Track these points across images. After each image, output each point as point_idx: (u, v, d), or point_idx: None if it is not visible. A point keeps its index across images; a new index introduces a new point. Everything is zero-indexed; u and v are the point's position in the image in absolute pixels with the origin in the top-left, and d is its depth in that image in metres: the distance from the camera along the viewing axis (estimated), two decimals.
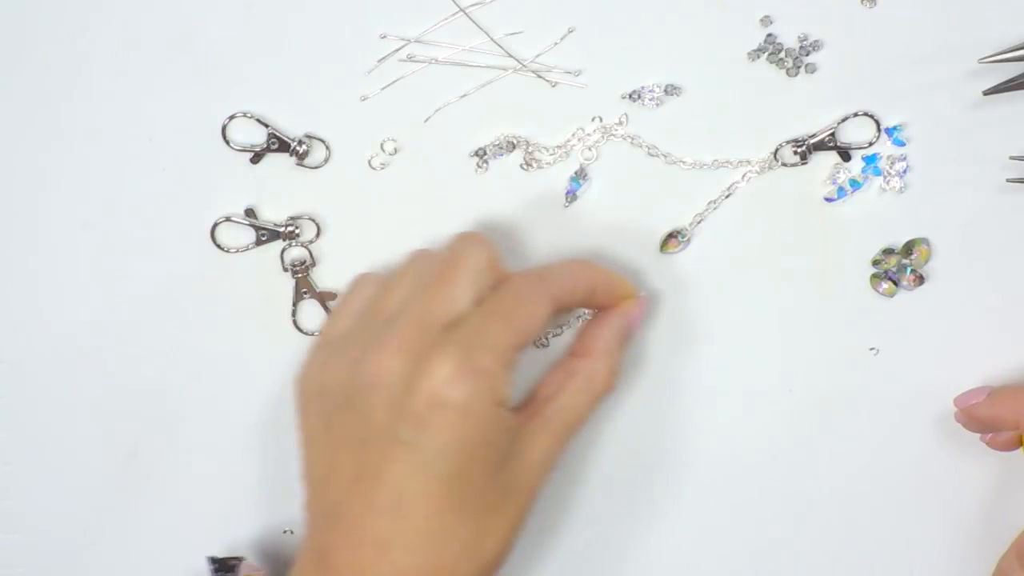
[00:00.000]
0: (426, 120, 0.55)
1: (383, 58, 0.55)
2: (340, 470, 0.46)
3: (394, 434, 0.45)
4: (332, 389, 0.48)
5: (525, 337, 0.48)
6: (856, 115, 0.55)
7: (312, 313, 0.56)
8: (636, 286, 0.54)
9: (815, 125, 0.55)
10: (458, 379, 0.45)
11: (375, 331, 0.48)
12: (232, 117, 0.55)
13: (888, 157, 0.55)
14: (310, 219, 0.55)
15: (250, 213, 0.55)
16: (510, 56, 0.55)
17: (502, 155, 0.55)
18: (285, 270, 0.55)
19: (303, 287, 0.55)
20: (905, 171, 0.55)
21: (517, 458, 0.48)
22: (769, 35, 0.55)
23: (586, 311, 0.55)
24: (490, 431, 0.46)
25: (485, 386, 0.46)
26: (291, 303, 0.55)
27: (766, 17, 0.55)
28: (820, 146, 0.55)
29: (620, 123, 0.55)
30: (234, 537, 0.56)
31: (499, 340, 0.47)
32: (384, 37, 0.55)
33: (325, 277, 0.56)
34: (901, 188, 0.55)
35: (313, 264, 0.55)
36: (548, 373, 0.51)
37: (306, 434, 0.49)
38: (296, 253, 0.55)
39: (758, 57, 0.55)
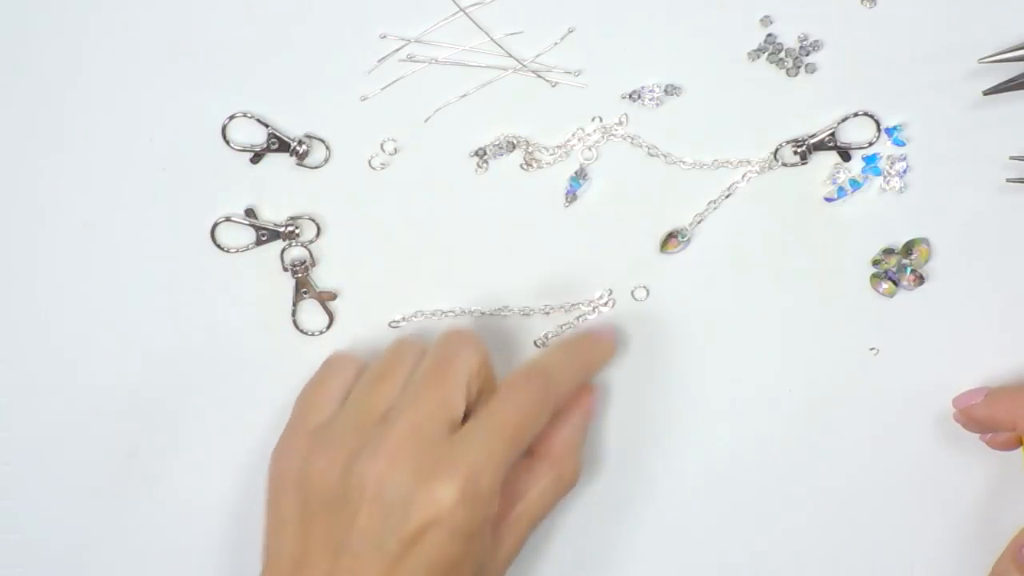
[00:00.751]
0: (426, 120, 0.55)
1: (383, 58, 0.55)
2: (310, 569, 0.46)
3: (379, 544, 0.44)
4: (316, 484, 0.46)
5: (524, 448, 0.48)
6: (856, 115, 0.55)
7: (312, 313, 0.56)
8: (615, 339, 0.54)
9: (815, 125, 0.55)
10: (461, 504, 0.44)
11: (369, 432, 0.47)
12: (232, 117, 0.55)
13: (888, 157, 0.55)
14: (310, 219, 0.55)
15: (250, 213, 0.55)
16: (510, 56, 0.55)
17: (502, 155, 0.55)
18: (285, 270, 0.55)
19: (303, 287, 0.55)
20: (905, 171, 0.55)
21: (488, 562, 0.48)
22: (769, 35, 0.55)
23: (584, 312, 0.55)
24: (479, 550, 0.46)
25: (485, 511, 0.46)
26: (291, 303, 0.55)
27: (766, 17, 0.55)
28: (820, 146, 0.55)
29: (620, 123, 0.55)
30: (234, 537, 0.56)
31: (502, 458, 0.46)
32: (384, 37, 0.55)
33: (325, 277, 0.56)
34: (901, 188, 0.55)
35: (313, 264, 0.55)
36: (513, 471, 0.49)
37: (277, 521, 0.48)
38: (296, 253, 0.55)
39: (758, 57, 0.55)
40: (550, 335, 0.56)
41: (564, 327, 0.56)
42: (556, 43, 0.55)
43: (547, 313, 0.56)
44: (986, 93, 0.54)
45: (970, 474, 0.57)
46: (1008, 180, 0.55)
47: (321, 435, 0.48)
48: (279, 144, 0.54)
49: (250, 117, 0.55)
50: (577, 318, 0.56)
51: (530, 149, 0.55)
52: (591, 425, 0.54)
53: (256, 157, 0.55)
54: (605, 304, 0.56)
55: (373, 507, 0.45)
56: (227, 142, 0.55)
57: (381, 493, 0.45)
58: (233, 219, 0.55)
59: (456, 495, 0.44)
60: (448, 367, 0.48)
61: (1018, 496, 0.57)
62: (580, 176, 0.55)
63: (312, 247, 0.55)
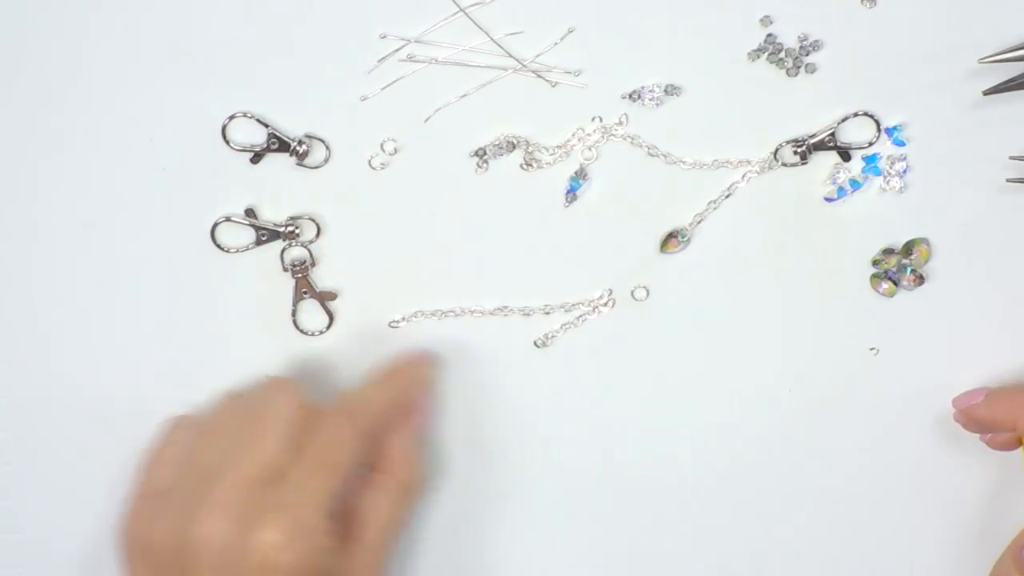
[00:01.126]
0: (426, 120, 0.55)
1: (383, 58, 0.55)
2: None
3: None
4: (158, 548, 0.48)
5: (344, 479, 0.49)
6: (856, 115, 0.55)
7: (312, 313, 0.56)
8: (431, 361, 0.55)
9: (815, 125, 0.55)
10: (287, 544, 0.46)
11: (196, 489, 0.48)
12: (232, 117, 0.55)
13: (888, 157, 0.55)
14: (310, 219, 0.55)
15: (250, 213, 0.55)
16: (510, 56, 0.55)
17: (502, 155, 0.55)
18: (285, 270, 0.55)
19: (303, 287, 0.55)
20: (905, 171, 0.55)
21: None
22: (769, 35, 0.55)
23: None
24: None
25: (313, 545, 0.47)
26: (291, 303, 0.55)
27: (766, 17, 0.55)
28: (820, 146, 0.55)
29: (620, 123, 0.55)
30: None
31: (321, 493, 0.48)
32: (384, 37, 0.55)
33: (325, 277, 0.56)
34: (901, 188, 0.55)
35: (313, 264, 0.55)
36: (359, 494, 0.51)
37: None
38: (296, 253, 0.55)
39: (758, 57, 0.55)
40: (550, 335, 0.56)
41: (564, 327, 0.56)
42: (556, 43, 0.55)
43: (547, 313, 0.56)
44: (986, 93, 0.54)
45: (970, 474, 0.57)
46: (1008, 180, 0.55)
47: (161, 500, 0.50)
48: (279, 144, 0.55)
49: (250, 117, 0.55)
50: (577, 318, 0.56)
51: (530, 149, 0.55)
52: (428, 432, 0.55)
53: (256, 157, 0.55)
54: (605, 304, 0.56)
55: (211, 564, 0.46)
56: (227, 142, 0.55)
57: (214, 549, 0.46)
58: (233, 219, 0.55)
59: (282, 537, 0.46)
60: (261, 417, 0.49)
61: (1018, 496, 0.57)
62: (580, 176, 0.55)
63: (312, 247, 0.55)
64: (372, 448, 0.51)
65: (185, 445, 0.51)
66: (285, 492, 0.47)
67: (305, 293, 0.55)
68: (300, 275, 0.55)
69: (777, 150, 0.55)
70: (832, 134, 0.55)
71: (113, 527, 0.51)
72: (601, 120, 0.55)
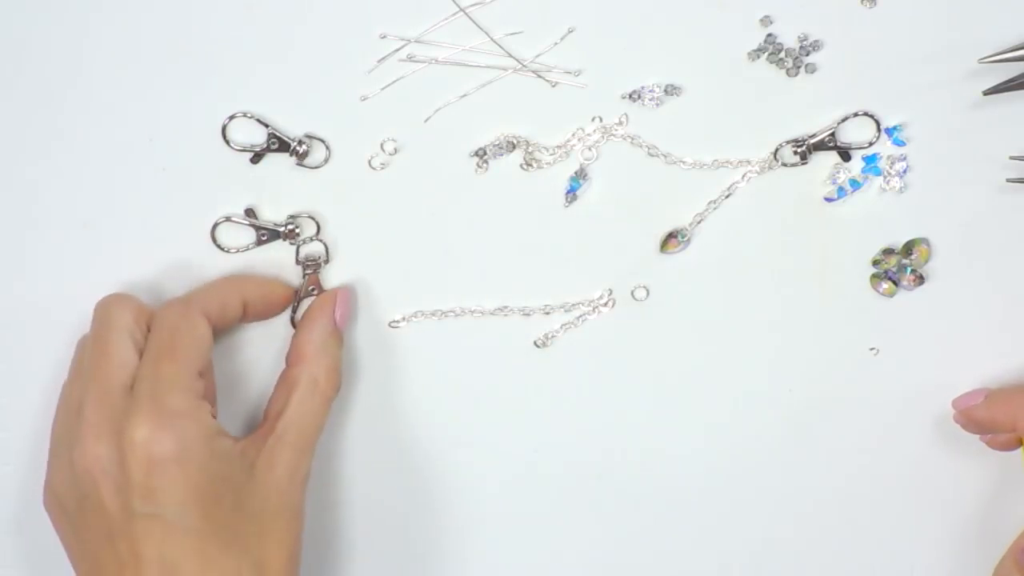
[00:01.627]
0: (426, 120, 0.55)
1: (383, 58, 0.55)
2: (104, 568, 0.47)
3: (132, 513, 0.46)
4: (63, 495, 0.49)
5: (198, 360, 0.49)
6: (856, 115, 0.55)
7: None
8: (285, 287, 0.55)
9: (815, 125, 0.55)
10: (158, 433, 0.46)
11: (73, 427, 0.48)
12: (232, 117, 0.55)
13: (888, 157, 0.55)
14: (310, 217, 0.55)
15: (250, 213, 0.55)
16: (510, 56, 0.55)
17: (502, 155, 0.55)
18: (298, 263, 0.55)
19: (311, 283, 0.55)
20: (905, 171, 0.55)
21: (261, 480, 0.49)
22: (769, 35, 0.55)
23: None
24: (217, 466, 0.48)
25: (188, 424, 0.47)
26: (295, 298, 0.55)
27: (766, 17, 0.55)
28: (820, 146, 0.55)
29: (620, 123, 0.55)
30: None
31: (176, 377, 0.48)
32: (384, 37, 0.55)
33: (325, 277, 0.56)
34: (901, 188, 0.55)
35: (327, 260, 0.55)
36: (273, 388, 0.52)
37: (65, 546, 0.50)
38: (312, 248, 0.55)
39: (758, 57, 0.55)
40: (550, 335, 0.56)
41: (564, 327, 0.56)
42: (556, 43, 0.55)
43: (547, 313, 0.56)
44: (986, 93, 0.54)
45: (970, 474, 0.57)
46: (1008, 180, 0.55)
47: (53, 450, 0.51)
48: (279, 144, 0.54)
49: (250, 117, 0.55)
50: (577, 318, 0.56)
51: (530, 149, 0.55)
52: (344, 328, 0.54)
53: (256, 157, 0.55)
54: (605, 304, 0.56)
55: (103, 487, 0.47)
56: (227, 142, 0.55)
57: (103, 471, 0.47)
58: (233, 219, 0.55)
59: (148, 429, 0.46)
60: (102, 332, 0.50)
61: (1019, 496, 0.56)
62: (580, 176, 0.55)
63: (312, 246, 0.55)
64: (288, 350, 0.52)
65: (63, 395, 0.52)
66: (139, 389, 0.47)
67: (313, 290, 0.55)
68: (312, 271, 0.55)
69: (777, 150, 0.55)
70: (832, 134, 0.55)
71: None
72: (601, 120, 0.55)
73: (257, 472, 0.49)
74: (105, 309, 0.51)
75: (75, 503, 0.48)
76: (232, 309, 0.53)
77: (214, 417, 0.49)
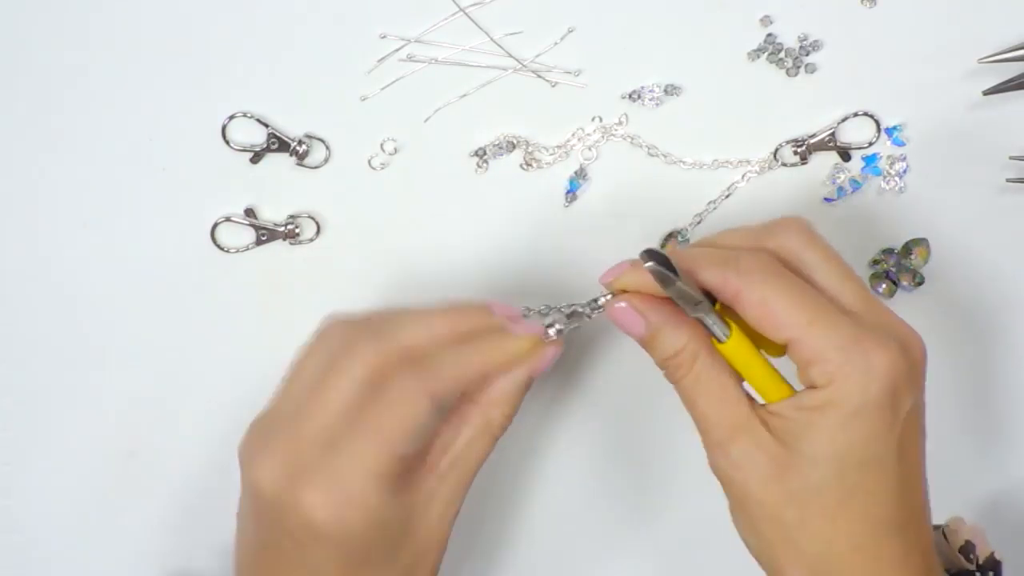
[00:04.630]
0: (426, 120, 0.55)
1: (383, 58, 0.55)
2: (259, 568, 0.48)
3: (279, 545, 0.46)
4: (242, 473, 0.48)
5: (402, 443, 0.46)
6: (856, 115, 0.55)
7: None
8: (545, 333, 0.49)
9: (815, 125, 0.55)
10: (330, 510, 0.45)
11: (270, 427, 0.47)
12: (232, 117, 0.55)
13: (888, 157, 0.55)
14: (310, 217, 0.55)
15: (250, 213, 0.55)
16: (510, 56, 0.55)
17: (502, 155, 0.55)
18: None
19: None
20: (905, 171, 0.55)
21: (416, 520, 0.48)
22: (769, 35, 0.55)
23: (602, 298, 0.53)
24: (376, 535, 0.46)
25: (358, 509, 0.46)
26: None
27: (766, 17, 0.55)
28: (820, 146, 0.55)
29: (620, 123, 0.55)
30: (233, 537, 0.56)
31: (374, 460, 0.46)
32: (384, 37, 0.55)
33: (325, 277, 0.56)
34: (901, 188, 0.55)
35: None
36: (444, 421, 0.48)
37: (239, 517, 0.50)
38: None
39: (758, 57, 0.55)
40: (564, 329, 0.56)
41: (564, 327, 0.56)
42: (556, 43, 0.55)
43: (547, 313, 0.56)
44: (986, 93, 0.54)
45: (969, 474, 0.57)
46: (1008, 180, 0.55)
47: (258, 425, 0.49)
48: (279, 144, 0.55)
49: (250, 117, 0.55)
50: (589, 315, 0.56)
51: (530, 149, 0.55)
52: (533, 382, 0.50)
53: (256, 157, 0.55)
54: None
55: (262, 509, 0.47)
56: (227, 142, 0.55)
57: (265, 496, 0.46)
58: (233, 219, 0.55)
59: (326, 502, 0.45)
60: (335, 369, 0.47)
61: (1014, 491, 0.57)
62: (580, 176, 0.55)
63: (312, 247, 0.55)
64: (447, 405, 0.48)
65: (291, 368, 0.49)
66: (337, 456, 0.46)
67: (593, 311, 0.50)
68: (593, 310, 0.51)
69: (777, 150, 0.55)
70: (832, 134, 0.55)
71: None
72: (601, 120, 0.55)
73: (414, 512, 0.48)
74: (352, 342, 0.47)
75: (245, 488, 0.48)
76: (469, 386, 0.49)
77: (396, 493, 0.47)
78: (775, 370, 0.47)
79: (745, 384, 0.47)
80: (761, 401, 0.46)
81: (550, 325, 0.49)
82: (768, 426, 0.46)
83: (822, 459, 0.45)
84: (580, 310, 0.50)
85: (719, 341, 0.47)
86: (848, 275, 0.47)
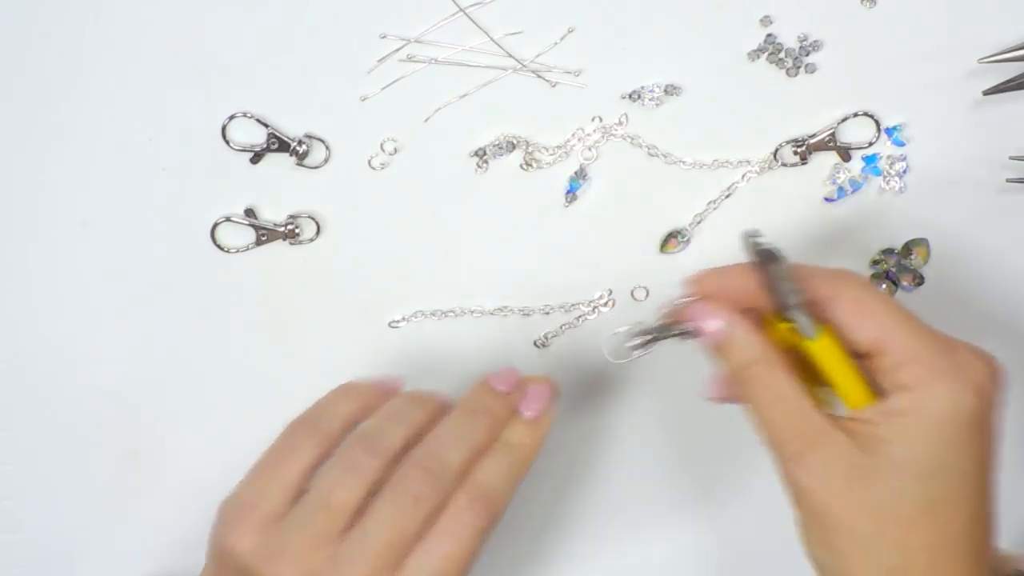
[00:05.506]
0: (426, 120, 0.55)
1: (383, 58, 0.55)
2: None
3: None
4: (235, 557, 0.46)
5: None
6: (856, 115, 0.55)
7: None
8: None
9: (815, 125, 0.55)
10: None
11: (326, 549, 0.45)
12: (232, 117, 0.55)
13: (888, 157, 0.55)
14: (309, 217, 0.55)
15: (250, 213, 0.55)
16: (510, 56, 0.55)
17: (502, 155, 0.55)
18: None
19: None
20: (905, 171, 0.55)
21: None
22: (769, 35, 0.55)
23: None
24: None
25: None
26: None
27: (766, 17, 0.55)
28: (820, 146, 0.55)
29: (620, 123, 0.55)
30: None
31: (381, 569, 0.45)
32: (384, 37, 0.55)
33: (325, 277, 0.56)
34: (901, 188, 0.55)
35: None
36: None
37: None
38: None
39: (758, 57, 0.55)
40: (550, 335, 0.56)
41: (564, 327, 0.56)
42: (556, 43, 0.55)
43: (547, 313, 0.56)
44: (986, 93, 0.54)
45: None
46: (1008, 180, 0.55)
47: (275, 534, 0.46)
48: (279, 144, 0.55)
49: (250, 117, 0.55)
50: (577, 318, 0.56)
51: (530, 149, 0.55)
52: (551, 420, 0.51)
53: (256, 157, 0.55)
54: (605, 304, 0.56)
55: None
56: (227, 142, 0.55)
57: None
58: (233, 219, 0.55)
59: None
60: (350, 478, 0.46)
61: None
62: (580, 176, 0.55)
63: (312, 247, 0.55)
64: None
65: (311, 466, 0.47)
66: (351, 558, 0.44)
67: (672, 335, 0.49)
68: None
69: (777, 150, 0.55)
70: (832, 134, 0.55)
71: (210, 526, 0.48)
72: (601, 120, 0.55)
73: None
74: (419, 494, 0.46)
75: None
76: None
77: None
78: (862, 374, 0.46)
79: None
80: (841, 412, 0.45)
81: (639, 340, 0.48)
82: (849, 433, 0.45)
83: (907, 465, 0.44)
84: (663, 327, 0.48)
85: (809, 338, 0.45)
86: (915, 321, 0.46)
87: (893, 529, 0.44)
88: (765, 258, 0.46)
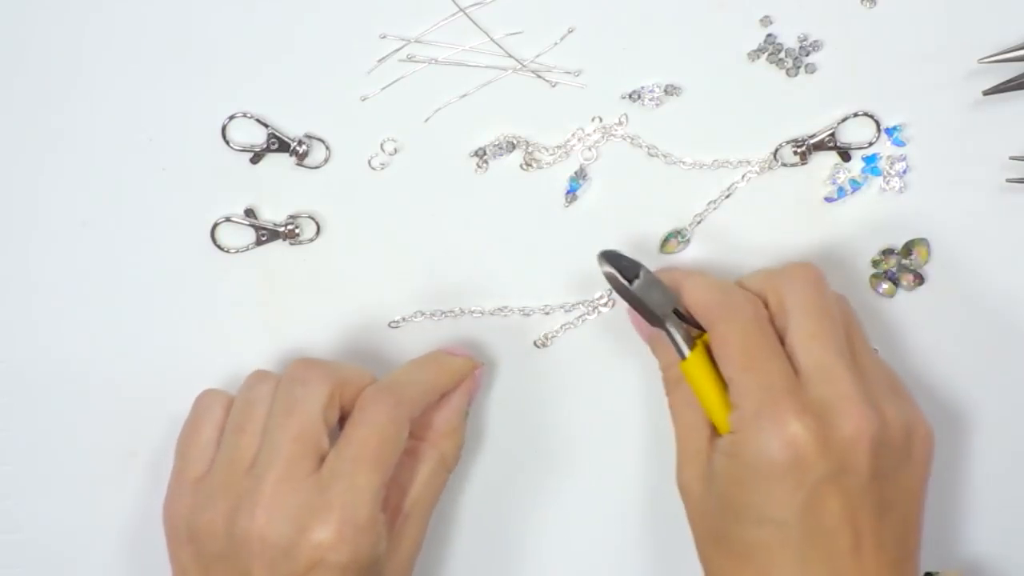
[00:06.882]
0: (426, 120, 0.55)
1: (383, 58, 0.55)
2: None
3: None
4: (205, 539, 0.48)
5: (392, 467, 0.48)
6: (856, 115, 0.55)
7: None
8: (476, 357, 0.54)
9: (815, 125, 0.55)
10: (340, 542, 0.46)
11: (239, 482, 0.48)
12: (232, 117, 0.55)
13: (888, 157, 0.55)
14: (309, 217, 0.55)
15: (250, 213, 0.55)
16: (510, 56, 0.55)
17: (502, 155, 0.55)
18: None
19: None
20: (905, 171, 0.55)
21: (390, 561, 0.49)
22: (769, 35, 0.55)
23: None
24: (370, 573, 0.48)
25: (367, 540, 0.47)
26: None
27: (766, 17, 0.55)
28: (820, 146, 0.55)
29: (620, 123, 0.55)
30: None
31: (372, 488, 0.47)
32: (384, 37, 0.55)
33: (325, 277, 0.56)
34: (901, 188, 0.55)
35: None
36: (398, 464, 0.50)
37: (180, 571, 0.50)
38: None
39: (758, 57, 0.55)
40: (550, 335, 0.56)
41: (564, 327, 0.56)
42: (556, 43, 0.55)
43: (547, 313, 0.56)
44: (986, 93, 0.54)
45: (968, 474, 0.56)
46: (1008, 180, 0.55)
47: (202, 488, 0.49)
48: (279, 144, 0.55)
49: (250, 117, 0.55)
50: (577, 318, 0.56)
51: (530, 149, 0.55)
52: (472, 404, 0.54)
53: (256, 157, 0.55)
54: (605, 304, 0.56)
55: (262, 560, 0.46)
56: (227, 142, 0.55)
57: (265, 547, 0.46)
58: (233, 219, 0.55)
59: (334, 535, 0.46)
60: (297, 405, 0.48)
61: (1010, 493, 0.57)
62: (580, 176, 0.55)
63: (312, 247, 0.55)
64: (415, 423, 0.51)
65: (221, 425, 0.51)
66: (336, 489, 0.47)
67: None
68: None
69: (777, 150, 0.55)
70: (832, 134, 0.55)
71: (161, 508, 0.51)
72: (601, 120, 0.55)
73: (388, 554, 0.49)
74: (301, 380, 0.49)
75: (216, 550, 0.48)
76: (429, 404, 0.52)
77: (383, 525, 0.48)
78: (724, 400, 0.48)
79: None
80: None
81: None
82: (709, 461, 0.48)
83: (725, 507, 0.47)
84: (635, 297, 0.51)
85: (681, 357, 0.49)
86: (818, 337, 0.47)
87: (727, 566, 0.48)
88: (612, 283, 0.50)
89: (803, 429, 0.45)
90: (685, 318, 0.50)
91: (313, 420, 0.48)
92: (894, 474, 0.47)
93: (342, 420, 0.50)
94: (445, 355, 0.53)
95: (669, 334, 0.49)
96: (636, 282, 0.49)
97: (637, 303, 0.49)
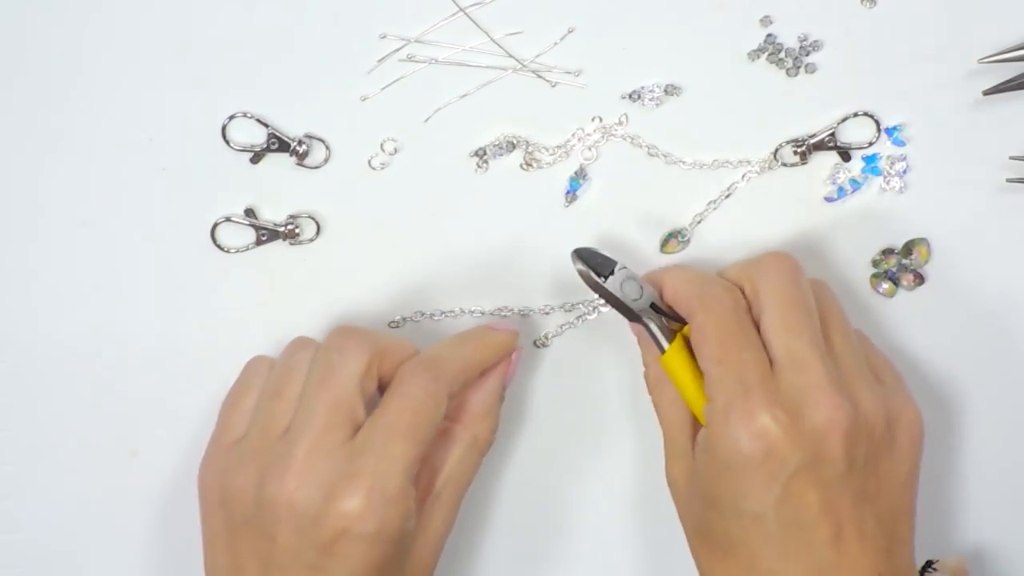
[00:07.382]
0: (426, 120, 0.55)
1: (383, 58, 0.55)
2: None
3: (300, 558, 0.46)
4: (235, 503, 0.48)
5: (427, 443, 0.48)
6: (856, 115, 0.55)
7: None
8: (518, 336, 0.53)
9: (815, 125, 0.55)
10: (368, 512, 0.46)
11: (272, 448, 0.48)
12: (232, 117, 0.55)
13: (888, 157, 0.55)
14: (309, 217, 0.55)
15: (250, 213, 0.55)
16: (510, 56, 0.55)
17: (502, 155, 0.55)
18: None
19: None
20: (905, 171, 0.55)
21: (419, 539, 0.49)
22: (769, 35, 0.55)
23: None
24: (398, 547, 0.47)
25: (396, 512, 0.46)
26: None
27: (766, 17, 0.55)
28: (820, 146, 0.55)
29: (620, 123, 0.55)
30: None
31: (404, 460, 0.47)
32: (384, 37, 0.55)
33: (325, 277, 0.56)
34: (901, 188, 0.55)
35: None
36: (432, 443, 0.50)
37: (210, 535, 0.50)
38: None
39: (758, 57, 0.55)
40: (550, 335, 0.56)
41: (564, 327, 0.56)
42: (556, 43, 0.55)
43: (547, 313, 0.56)
44: (986, 93, 0.54)
45: (968, 473, 0.56)
46: (1008, 180, 0.55)
47: (235, 453, 0.49)
48: (279, 144, 0.55)
49: (250, 117, 0.55)
50: (577, 318, 0.56)
51: (530, 149, 0.55)
52: (508, 387, 0.54)
53: (256, 157, 0.55)
54: (605, 304, 0.56)
55: (289, 526, 0.46)
56: (227, 142, 0.55)
57: (293, 513, 0.46)
58: (233, 219, 0.55)
59: (362, 504, 0.46)
60: (334, 373, 0.48)
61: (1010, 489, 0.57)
62: (580, 176, 0.55)
63: (312, 247, 0.55)
64: (451, 404, 0.50)
65: (258, 391, 0.51)
66: (366, 457, 0.46)
67: None
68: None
69: (777, 150, 0.55)
70: (832, 134, 0.55)
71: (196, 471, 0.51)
72: (601, 120, 0.55)
73: (417, 532, 0.49)
74: (340, 348, 0.49)
75: (244, 514, 0.47)
76: (470, 380, 0.52)
77: (413, 500, 0.48)
78: (704, 397, 0.48)
79: None
80: None
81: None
82: (692, 456, 0.49)
83: (707, 502, 0.48)
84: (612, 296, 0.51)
85: (660, 351, 0.50)
86: (791, 327, 0.47)
87: (713, 557, 0.48)
88: (586, 280, 0.50)
89: (772, 421, 0.45)
90: (667, 313, 0.50)
91: (349, 389, 0.48)
92: (875, 462, 0.47)
93: (382, 390, 0.50)
94: (489, 330, 0.52)
95: (647, 328, 0.49)
96: (610, 278, 0.50)
97: (611, 299, 0.50)
